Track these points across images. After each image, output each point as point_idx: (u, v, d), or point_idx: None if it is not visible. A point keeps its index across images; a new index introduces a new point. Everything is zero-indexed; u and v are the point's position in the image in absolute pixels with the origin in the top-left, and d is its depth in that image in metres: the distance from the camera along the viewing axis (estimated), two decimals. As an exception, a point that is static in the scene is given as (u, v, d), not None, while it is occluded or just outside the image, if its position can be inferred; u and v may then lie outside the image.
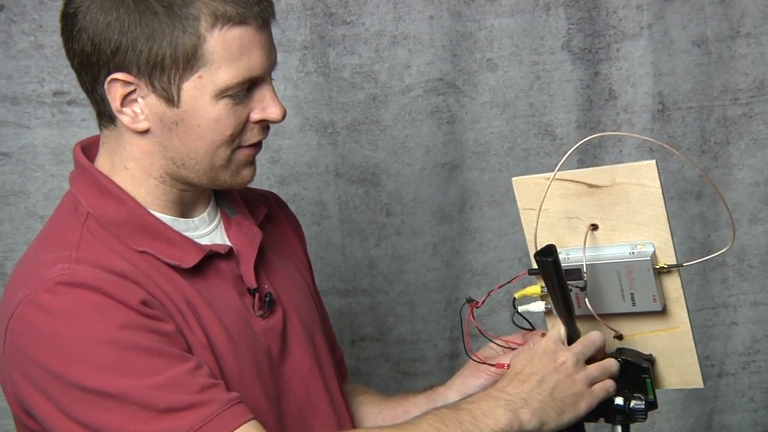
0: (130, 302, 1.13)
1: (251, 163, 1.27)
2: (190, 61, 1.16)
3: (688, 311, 1.22)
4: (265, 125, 1.25)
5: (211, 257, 1.26)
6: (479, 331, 1.30)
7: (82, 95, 1.24)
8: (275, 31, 1.93)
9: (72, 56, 1.20)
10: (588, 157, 2.07)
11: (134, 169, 1.24)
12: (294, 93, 2.01)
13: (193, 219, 1.29)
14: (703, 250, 2.12)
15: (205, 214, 1.31)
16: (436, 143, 2.06)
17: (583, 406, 1.21)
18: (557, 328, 1.26)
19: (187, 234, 1.27)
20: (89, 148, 1.28)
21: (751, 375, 2.20)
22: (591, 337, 1.25)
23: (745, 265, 2.16)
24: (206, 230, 1.31)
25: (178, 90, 1.18)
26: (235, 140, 1.22)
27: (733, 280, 2.17)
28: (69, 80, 1.86)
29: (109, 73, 1.17)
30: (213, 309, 1.23)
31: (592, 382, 1.23)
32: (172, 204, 1.26)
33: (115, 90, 1.18)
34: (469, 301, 1.30)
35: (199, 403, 1.12)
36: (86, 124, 1.88)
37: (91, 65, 1.18)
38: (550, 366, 1.21)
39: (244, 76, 1.18)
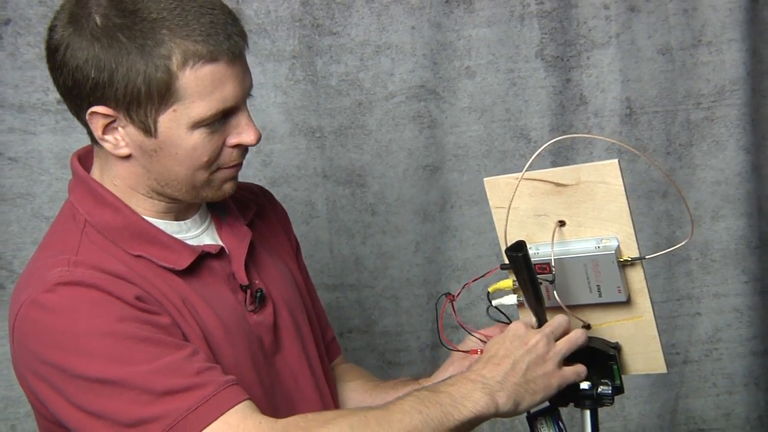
0: (126, 297, 1.15)
1: (230, 180, 1.27)
2: (164, 96, 1.16)
3: (651, 301, 1.23)
4: (243, 148, 1.25)
5: (203, 257, 1.27)
6: (458, 324, 1.29)
7: (85, 103, 1.27)
8: (266, 42, 2.01)
9: (57, 87, 1.21)
10: (560, 159, 2.08)
11: (121, 186, 1.25)
12: (284, 100, 2.01)
13: (186, 221, 1.30)
14: (669, 245, 2.12)
15: (196, 216, 1.32)
16: (418, 146, 2.07)
17: (554, 385, 1.21)
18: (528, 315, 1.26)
19: (179, 236, 1.28)
20: (85, 157, 1.30)
21: (714, 362, 2.21)
22: (558, 319, 1.24)
23: (707, 260, 2.18)
24: (197, 231, 1.32)
25: (155, 122, 1.18)
26: (212, 164, 1.23)
27: (697, 273, 2.19)
28: None
29: (90, 106, 1.18)
30: (209, 304, 1.24)
31: (562, 360, 1.22)
32: (163, 213, 1.28)
33: (96, 121, 1.19)
34: (446, 295, 1.30)
35: (196, 385, 1.13)
36: None
37: (73, 97, 1.19)
38: (522, 348, 1.21)
39: (218, 108, 1.18)
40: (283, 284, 1.39)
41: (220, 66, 1.16)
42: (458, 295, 1.30)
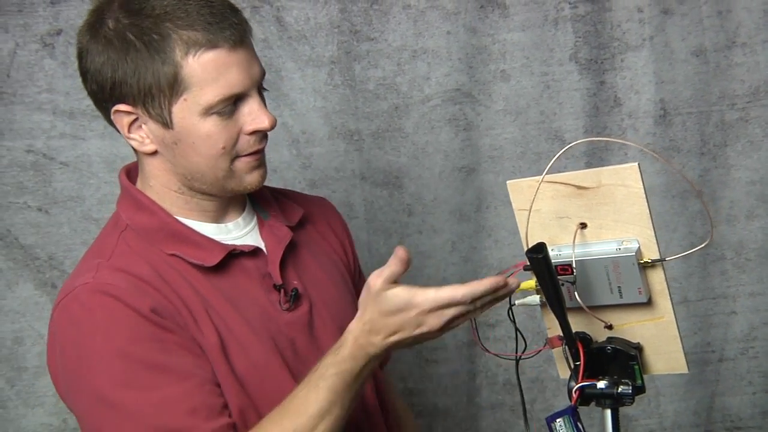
0: (141, 309, 1.19)
1: (256, 168, 1.29)
2: (173, 87, 1.21)
3: (672, 303, 1.21)
4: (261, 135, 1.27)
5: (236, 257, 1.30)
6: (479, 345, 1.29)
7: (132, 109, 1.31)
8: (305, 48, 2.03)
9: (88, 94, 1.28)
10: (595, 160, 2.07)
11: (156, 185, 1.30)
12: (323, 104, 2.03)
13: (226, 224, 1.34)
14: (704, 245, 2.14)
15: (239, 219, 1.36)
16: (454, 148, 2.08)
17: (426, 341, 1.19)
18: (423, 295, 1.14)
19: (218, 237, 1.31)
20: (133, 170, 1.35)
21: (750, 360, 2.18)
22: (463, 306, 1.15)
23: (743, 258, 2.15)
24: (239, 233, 1.35)
25: (170, 114, 1.22)
26: (230, 152, 1.25)
27: (732, 272, 2.16)
28: None
29: (113, 106, 1.23)
30: (233, 305, 1.27)
31: (448, 325, 1.16)
32: (199, 212, 1.31)
33: (120, 119, 1.24)
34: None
35: (183, 428, 1.17)
36: None
37: (99, 101, 1.26)
38: (415, 331, 1.15)
39: (225, 93, 1.21)
40: (328, 286, 1.40)
41: (221, 52, 1.21)
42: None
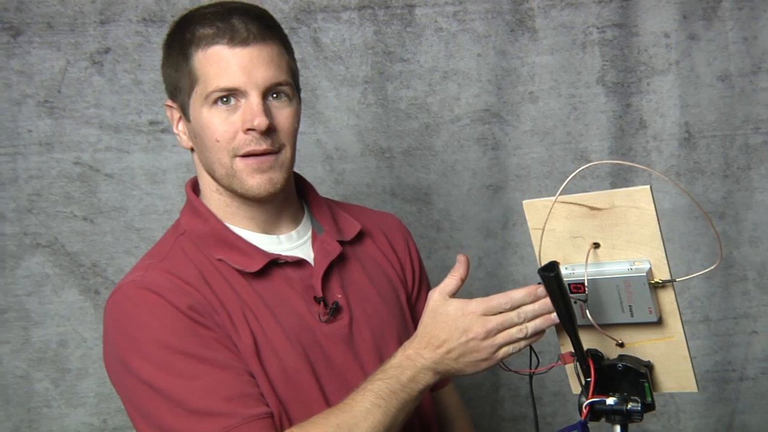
0: (180, 306, 1.25)
1: (257, 172, 1.31)
2: (190, 80, 1.31)
3: (682, 322, 1.21)
4: (259, 137, 1.29)
5: (281, 266, 1.34)
6: (510, 371, 1.29)
7: (173, 124, 1.40)
8: (340, 68, 2.06)
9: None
10: (620, 180, 2.08)
11: (203, 187, 1.39)
12: (356, 122, 2.06)
13: (278, 236, 1.39)
14: (726, 265, 2.13)
15: (293, 233, 1.40)
16: (482, 167, 2.09)
17: (483, 367, 1.24)
18: (475, 301, 1.23)
19: (267, 247, 1.35)
20: (197, 183, 1.42)
21: None
22: (506, 314, 1.22)
23: (765, 279, 2.16)
24: (291, 245, 1.39)
25: (189, 106, 1.33)
26: (227, 147, 1.30)
27: (754, 292, 2.16)
28: (162, 112, 1.90)
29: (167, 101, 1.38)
30: (271, 311, 1.31)
31: (497, 348, 1.22)
32: (248, 220, 1.37)
33: (169, 114, 1.38)
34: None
35: (222, 413, 1.21)
36: (176, 149, 1.96)
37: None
38: (461, 338, 1.22)
39: (221, 85, 1.28)
40: (375, 301, 1.42)
41: (223, 48, 1.29)
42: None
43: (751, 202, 2.13)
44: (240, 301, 1.30)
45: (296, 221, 1.41)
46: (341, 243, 1.42)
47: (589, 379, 1.21)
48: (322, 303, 1.35)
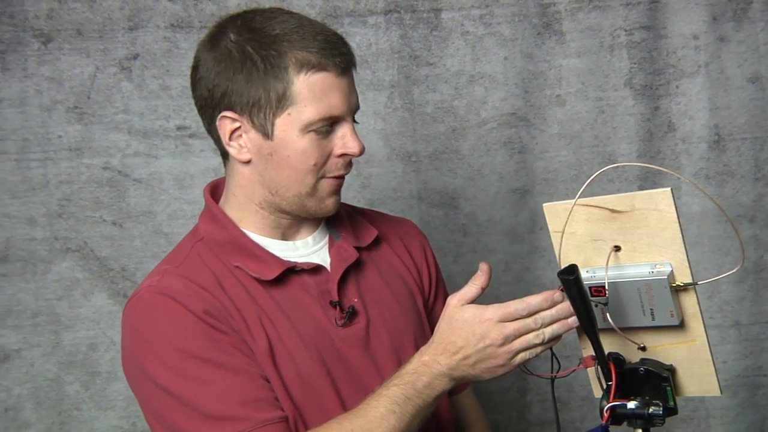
0: (195, 310, 1.25)
1: (334, 194, 1.34)
2: (281, 101, 1.26)
3: (704, 326, 1.20)
4: (347, 160, 1.32)
5: (297, 273, 1.34)
6: (533, 375, 1.30)
7: (202, 129, 1.37)
8: (367, 72, 2.06)
9: (195, 101, 1.34)
10: (648, 183, 2.06)
11: (240, 195, 1.35)
12: (383, 126, 2.06)
13: (294, 242, 1.38)
14: (757, 269, 2.10)
15: (309, 238, 1.39)
16: (509, 171, 2.09)
17: (500, 373, 1.23)
18: (492, 308, 1.21)
19: (284, 254, 1.35)
20: (217, 188, 1.41)
21: None
22: (516, 306, 1.21)
23: None
24: (307, 251, 1.38)
25: (272, 126, 1.28)
26: (319, 170, 1.30)
27: None
28: (190, 117, 1.95)
29: (220, 112, 1.29)
30: (287, 317, 1.31)
31: (514, 355, 1.21)
32: (271, 229, 1.36)
33: (224, 126, 1.30)
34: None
35: (235, 418, 1.21)
36: (204, 154, 1.97)
37: (207, 107, 1.31)
38: (478, 345, 1.21)
39: (325, 113, 1.27)
40: (391, 305, 1.42)
41: (329, 76, 1.26)
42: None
43: None
44: (256, 307, 1.30)
45: (314, 227, 1.41)
46: (358, 249, 1.42)
47: (610, 383, 1.20)
48: (338, 307, 1.35)
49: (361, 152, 1.32)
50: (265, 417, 1.23)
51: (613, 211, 1.18)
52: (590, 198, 1.20)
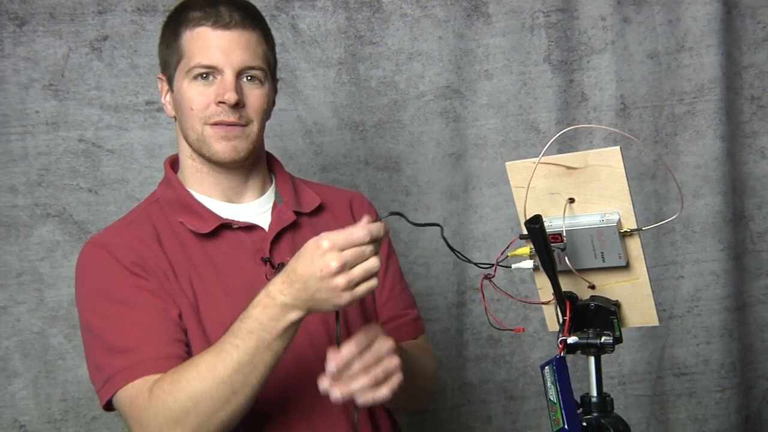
0: (123, 260, 1.33)
1: (224, 139, 1.36)
2: (177, 56, 1.39)
3: (646, 266, 1.24)
4: (228, 109, 1.35)
5: (234, 230, 1.39)
6: (507, 296, 1.34)
7: (169, 104, 1.42)
8: (317, 51, 2.10)
9: None
10: (565, 147, 2.11)
11: (181, 153, 1.44)
12: (332, 99, 2.09)
13: (240, 204, 1.43)
14: (657, 219, 2.18)
15: (255, 202, 1.44)
16: (445, 137, 2.14)
17: (343, 302, 1.15)
18: (329, 235, 1.14)
19: (228, 214, 1.40)
20: (174, 162, 1.49)
21: (695, 317, 2.27)
22: (359, 243, 1.13)
23: (689, 231, 2.24)
24: (251, 213, 1.43)
25: (174, 79, 1.40)
26: (200, 115, 1.37)
27: (680, 243, 2.23)
28: (157, 93, 1.88)
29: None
30: (217, 270, 1.36)
31: (355, 284, 1.14)
32: (215, 187, 1.42)
33: (160, 86, 1.45)
34: (485, 277, 1.28)
35: (135, 349, 1.27)
36: (171, 126, 1.84)
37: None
38: (316, 273, 1.13)
39: (200, 62, 1.36)
40: None
41: (206, 30, 1.36)
42: (495, 271, 1.29)
43: (677, 164, 2.21)
44: (188, 262, 1.35)
45: (261, 192, 1.45)
46: (298, 214, 1.44)
47: (566, 318, 1.23)
48: (268, 263, 1.37)
49: (235, 102, 1.33)
50: (160, 352, 1.27)
51: (568, 167, 1.20)
52: (548, 156, 1.22)
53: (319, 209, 1.49)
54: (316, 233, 1.28)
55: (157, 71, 1.49)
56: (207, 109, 1.36)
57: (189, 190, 1.44)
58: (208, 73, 1.36)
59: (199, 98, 1.36)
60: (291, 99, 2.08)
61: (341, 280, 1.14)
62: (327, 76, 2.09)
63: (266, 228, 1.41)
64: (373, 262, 1.15)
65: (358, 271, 1.14)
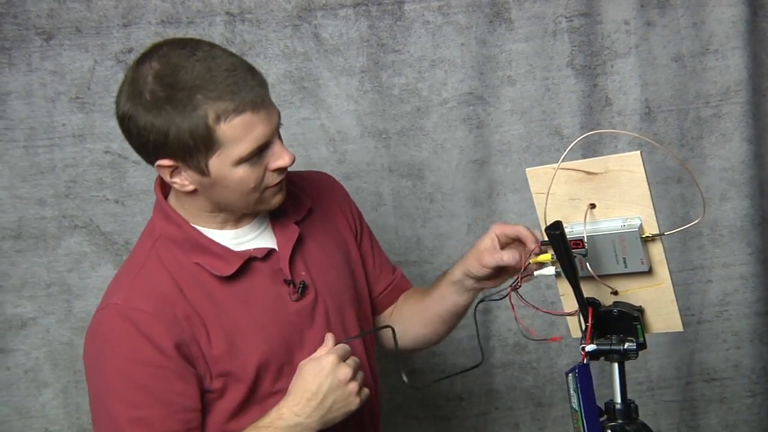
0: (155, 341, 1.26)
1: (278, 193, 1.34)
2: (208, 145, 1.24)
3: (669, 271, 1.23)
4: (282, 169, 1.31)
5: (250, 260, 1.35)
6: (533, 308, 1.30)
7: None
8: (339, 59, 2.09)
9: (131, 146, 1.31)
10: (589, 152, 2.10)
11: (191, 208, 1.35)
12: (355, 108, 2.07)
13: (242, 228, 1.37)
14: (683, 223, 2.11)
15: (254, 222, 1.39)
16: (468, 144, 2.11)
17: (355, 406, 1.30)
18: (338, 347, 1.30)
19: (236, 242, 1.35)
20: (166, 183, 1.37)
21: (724, 322, 2.23)
22: (354, 358, 1.32)
23: (717, 235, 2.20)
24: (253, 235, 1.39)
25: (206, 165, 1.26)
26: (259, 187, 1.30)
27: (708, 246, 2.20)
28: None
29: (156, 160, 1.28)
30: (246, 305, 1.33)
31: (359, 388, 1.30)
32: (222, 224, 1.37)
33: (163, 170, 1.29)
34: (510, 288, 1.29)
35: None
36: None
37: (143, 153, 1.30)
38: (333, 384, 1.27)
39: (252, 147, 1.25)
40: (330, 271, 1.43)
41: (246, 115, 1.23)
42: (521, 283, 1.30)
43: (703, 168, 2.17)
44: (216, 308, 1.31)
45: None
46: (296, 222, 1.42)
47: (587, 325, 1.22)
48: (291, 285, 1.36)
49: (292, 161, 1.29)
50: None
51: (588, 173, 1.20)
52: (569, 162, 1.21)
53: (308, 212, 1.46)
54: (315, 240, 1.42)
55: None
56: (265, 180, 1.30)
57: (194, 226, 1.36)
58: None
59: (254, 175, 1.28)
60: (314, 108, 2.07)
61: (353, 386, 1.29)
62: (350, 84, 2.08)
63: (275, 247, 1.38)
64: (356, 361, 1.33)
65: (360, 375, 1.31)
